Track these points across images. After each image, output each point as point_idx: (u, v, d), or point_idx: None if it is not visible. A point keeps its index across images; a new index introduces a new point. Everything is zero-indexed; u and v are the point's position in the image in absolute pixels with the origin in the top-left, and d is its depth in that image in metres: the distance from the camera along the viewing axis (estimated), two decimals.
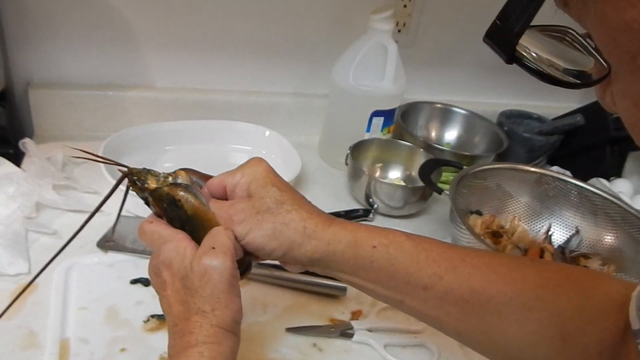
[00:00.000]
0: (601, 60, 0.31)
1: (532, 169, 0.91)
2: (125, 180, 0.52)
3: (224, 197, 0.51)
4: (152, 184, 0.49)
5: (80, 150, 0.54)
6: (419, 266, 0.48)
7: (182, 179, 0.50)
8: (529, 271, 0.49)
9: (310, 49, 1.05)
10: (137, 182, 0.50)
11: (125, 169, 0.51)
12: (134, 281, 0.68)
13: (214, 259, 0.45)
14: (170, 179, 0.50)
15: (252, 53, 1.03)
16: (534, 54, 0.33)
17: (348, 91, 0.95)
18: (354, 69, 0.93)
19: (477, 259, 0.49)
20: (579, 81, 0.33)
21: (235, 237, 0.47)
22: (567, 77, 0.34)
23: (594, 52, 0.32)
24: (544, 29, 0.34)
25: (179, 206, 0.48)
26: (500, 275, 0.48)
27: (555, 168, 1.04)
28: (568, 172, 1.02)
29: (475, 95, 1.20)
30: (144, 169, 0.51)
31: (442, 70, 1.15)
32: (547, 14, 0.31)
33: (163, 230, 0.49)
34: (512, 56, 0.32)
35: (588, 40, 0.33)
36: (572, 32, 0.34)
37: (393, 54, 0.91)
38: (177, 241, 0.47)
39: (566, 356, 0.46)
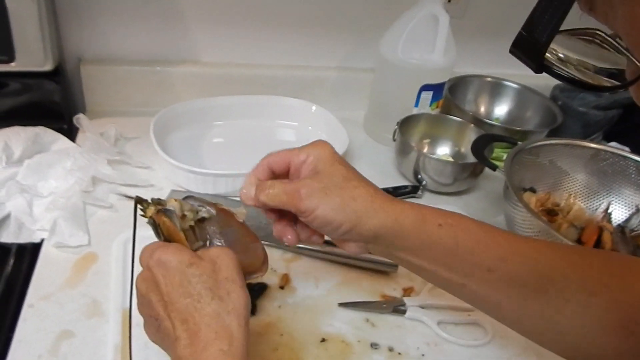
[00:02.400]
0: (634, 59, 0.30)
1: (590, 145, 0.87)
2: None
3: (285, 173, 0.51)
4: (149, 212, 0.50)
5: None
6: (486, 248, 0.47)
7: (170, 205, 0.50)
8: (595, 259, 0.48)
9: (356, 21, 1.03)
10: (140, 210, 0.52)
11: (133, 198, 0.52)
12: None
13: (222, 248, 0.47)
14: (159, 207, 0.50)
15: (297, 27, 1.02)
16: (562, 56, 0.33)
17: (396, 64, 0.93)
18: (403, 41, 0.91)
19: (542, 245, 0.49)
20: (614, 82, 0.33)
21: (303, 212, 0.48)
22: (600, 80, 0.33)
23: (625, 51, 0.31)
24: (572, 33, 0.33)
25: (159, 230, 0.49)
26: (565, 260, 0.47)
27: (613, 144, 1.00)
28: (627, 148, 0.97)
29: (527, 68, 1.15)
30: (152, 199, 0.52)
31: (493, 42, 1.11)
32: (573, 18, 0.30)
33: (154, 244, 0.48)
34: (541, 65, 0.32)
35: (618, 40, 0.33)
36: (600, 33, 0.33)
37: (444, 25, 0.88)
38: (168, 245, 0.47)
39: (627, 345, 0.45)
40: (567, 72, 0.32)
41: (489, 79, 1.11)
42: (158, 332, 0.45)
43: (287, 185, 0.49)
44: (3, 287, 0.62)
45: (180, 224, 0.49)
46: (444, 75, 0.95)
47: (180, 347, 0.42)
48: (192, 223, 0.50)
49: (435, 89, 0.95)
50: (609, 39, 0.33)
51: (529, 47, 0.31)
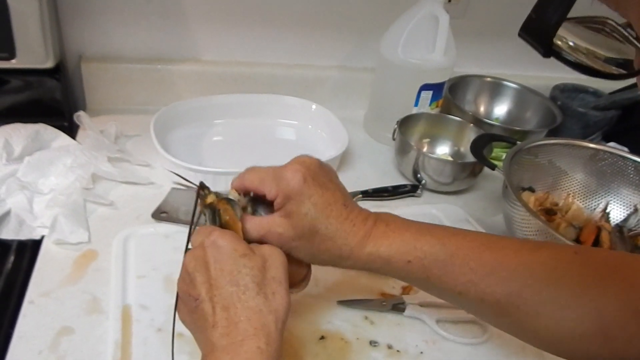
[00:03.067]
0: None
1: (589, 145, 0.88)
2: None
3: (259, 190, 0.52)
4: (209, 199, 0.52)
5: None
6: (454, 275, 0.49)
7: (232, 195, 0.52)
8: (570, 268, 0.48)
9: (357, 21, 1.03)
10: (201, 196, 0.53)
11: (196, 185, 0.54)
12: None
13: (274, 247, 0.48)
14: (222, 195, 0.53)
15: (298, 26, 1.02)
16: (572, 44, 0.32)
17: (396, 64, 0.93)
18: (403, 41, 0.92)
19: (515, 260, 0.49)
20: (622, 71, 0.32)
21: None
22: (609, 68, 0.32)
23: (635, 41, 0.31)
24: (581, 21, 0.33)
25: (217, 215, 0.51)
26: (538, 277, 0.48)
27: (612, 144, 1.00)
28: (625, 149, 0.98)
29: (527, 69, 1.16)
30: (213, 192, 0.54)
31: (493, 42, 1.11)
32: (584, 6, 0.30)
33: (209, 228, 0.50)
34: (549, 49, 0.31)
35: (629, 29, 0.32)
36: (610, 22, 0.33)
37: (445, 25, 0.89)
38: (226, 231, 0.48)
39: (608, 349, 0.46)
40: (576, 57, 0.32)
41: (488, 79, 1.11)
42: (194, 313, 0.45)
43: (261, 228, 0.50)
44: (3, 283, 0.62)
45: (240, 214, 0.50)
46: (444, 75, 0.96)
47: (217, 335, 0.42)
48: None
49: (435, 89, 0.95)
50: (619, 27, 0.32)
51: (538, 30, 0.31)
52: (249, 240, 0.50)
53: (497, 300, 0.48)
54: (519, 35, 0.32)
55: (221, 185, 0.79)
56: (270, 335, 0.42)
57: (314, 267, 0.69)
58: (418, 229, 0.52)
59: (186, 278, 0.46)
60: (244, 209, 0.52)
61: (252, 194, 0.53)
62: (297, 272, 0.52)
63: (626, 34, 0.32)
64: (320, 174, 0.51)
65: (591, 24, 0.33)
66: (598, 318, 0.46)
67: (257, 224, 0.50)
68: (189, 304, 0.45)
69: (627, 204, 0.85)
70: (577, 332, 0.46)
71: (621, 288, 0.46)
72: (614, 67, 0.32)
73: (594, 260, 0.50)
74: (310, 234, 0.49)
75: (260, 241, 0.50)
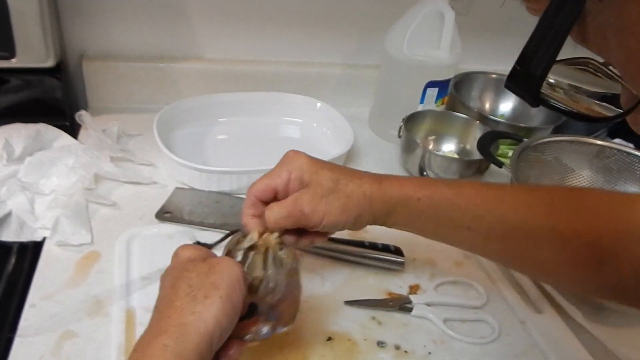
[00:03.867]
0: (629, 87, 0.30)
1: (595, 141, 0.87)
2: None
3: (274, 198, 0.54)
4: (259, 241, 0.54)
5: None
6: (461, 211, 0.53)
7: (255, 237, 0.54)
8: (565, 204, 0.52)
9: (361, 17, 1.02)
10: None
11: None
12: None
13: (232, 260, 0.48)
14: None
15: (302, 23, 1.01)
16: (554, 82, 0.32)
17: (401, 61, 0.92)
18: (409, 37, 0.90)
19: (514, 197, 0.53)
20: (611, 114, 0.33)
21: (313, 226, 0.52)
22: (598, 112, 0.33)
23: (619, 79, 0.31)
24: (565, 63, 0.33)
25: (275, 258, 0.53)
26: (537, 211, 0.52)
27: (617, 140, 0.99)
28: (631, 145, 0.97)
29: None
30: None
31: (498, 38, 1.10)
32: (566, 48, 0.30)
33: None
34: (537, 99, 0.31)
35: (611, 67, 0.32)
36: (593, 61, 0.33)
37: (450, 22, 0.87)
38: (194, 245, 0.50)
39: (602, 277, 0.50)
40: (564, 105, 0.32)
41: (494, 76, 1.10)
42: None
43: (289, 206, 0.52)
44: (4, 286, 0.61)
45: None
46: (450, 72, 0.95)
47: (143, 334, 0.42)
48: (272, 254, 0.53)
49: (441, 86, 0.94)
50: (602, 67, 0.33)
51: (525, 82, 0.31)
52: (278, 227, 0.52)
53: (503, 233, 0.52)
54: (505, 86, 0.32)
55: (225, 184, 0.78)
56: (186, 335, 0.41)
57: (320, 265, 0.69)
58: (423, 177, 0.58)
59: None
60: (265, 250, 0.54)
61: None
62: (289, 312, 0.52)
63: (609, 72, 0.32)
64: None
65: (575, 65, 0.34)
66: (594, 248, 0.49)
67: (284, 203, 0.52)
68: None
69: None
70: (576, 261, 0.50)
71: (613, 222, 0.49)
72: (604, 107, 0.33)
73: (587, 196, 0.54)
74: (334, 184, 0.52)
75: (289, 221, 0.52)
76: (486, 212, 0.52)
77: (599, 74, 0.33)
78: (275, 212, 0.52)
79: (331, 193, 0.52)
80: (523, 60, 0.30)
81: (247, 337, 0.48)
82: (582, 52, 0.32)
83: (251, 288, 0.50)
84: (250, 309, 0.49)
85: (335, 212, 0.52)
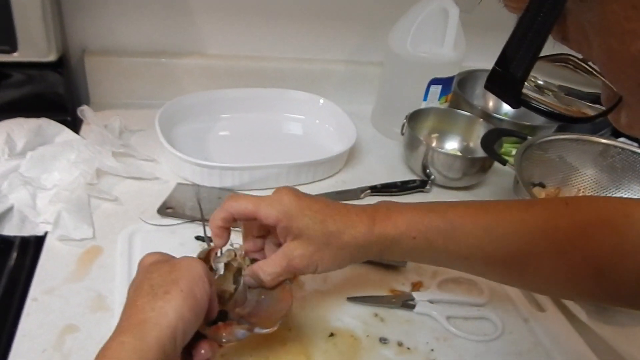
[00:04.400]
0: (610, 84, 0.29)
1: (599, 140, 0.87)
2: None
3: (248, 220, 0.54)
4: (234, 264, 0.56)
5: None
6: (457, 242, 0.52)
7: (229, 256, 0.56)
8: (561, 218, 0.52)
9: (365, 14, 1.02)
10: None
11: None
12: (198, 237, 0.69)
13: (193, 258, 0.49)
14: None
15: (305, 19, 1.00)
16: (541, 83, 0.32)
17: (405, 58, 0.92)
18: (412, 34, 0.90)
19: (509, 217, 0.53)
20: (593, 113, 0.32)
21: (306, 273, 0.54)
22: (580, 112, 0.33)
23: (600, 76, 0.30)
24: (544, 59, 0.32)
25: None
26: (533, 230, 0.52)
27: (621, 139, 0.99)
28: (635, 144, 0.96)
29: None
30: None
31: (503, 36, 1.08)
32: (546, 45, 0.29)
33: None
34: (518, 101, 0.30)
35: (591, 63, 0.32)
36: (573, 58, 0.33)
37: (454, 19, 0.87)
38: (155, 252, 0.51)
39: (602, 288, 0.51)
40: (545, 106, 0.31)
41: None
42: None
43: (281, 263, 0.52)
44: (6, 281, 0.61)
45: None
46: (453, 69, 0.94)
47: (110, 336, 0.42)
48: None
49: (444, 83, 0.94)
50: (581, 63, 0.32)
51: (505, 83, 0.30)
52: (276, 282, 0.53)
53: (502, 259, 0.52)
54: (485, 87, 0.31)
55: (227, 180, 0.78)
56: (145, 331, 0.40)
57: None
58: (416, 207, 0.55)
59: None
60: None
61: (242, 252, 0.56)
62: (279, 308, 0.53)
63: (589, 68, 0.32)
64: (304, 193, 0.55)
65: (555, 61, 0.34)
66: (593, 261, 0.50)
67: (274, 260, 0.53)
68: None
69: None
70: (575, 274, 0.51)
71: (609, 233, 0.50)
72: (586, 106, 0.33)
73: (584, 210, 0.53)
74: (325, 238, 0.52)
75: (285, 275, 0.53)
76: (482, 240, 0.52)
77: (578, 70, 0.33)
78: (270, 273, 0.52)
79: (324, 246, 0.52)
80: (503, 61, 0.29)
81: (223, 340, 0.48)
82: (562, 48, 0.31)
83: (221, 299, 0.52)
84: (222, 314, 0.51)
85: (328, 262, 0.53)
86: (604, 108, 0.31)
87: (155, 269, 0.46)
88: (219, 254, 0.55)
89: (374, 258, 0.55)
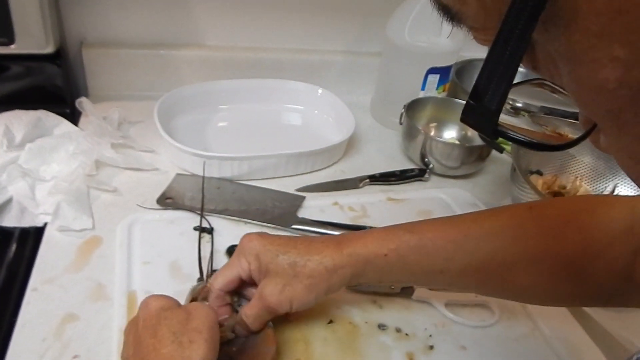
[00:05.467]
0: (583, 112, 0.29)
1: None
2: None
3: (241, 285, 0.55)
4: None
5: None
6: (430, 257, 0.52)
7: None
8: (528, 226, 0.52)
9: (363, 4, 1.02)
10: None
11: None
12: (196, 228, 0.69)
13: (202, 304, 0.50)
14: None
15: (304, 10, 1.00)
16: (520, 105, 0.31)
17: (403, 48, 0.92)
18: (410, 24, 0.90)
19: (478, 229, 0.53)
20: (571, 139, 0.31)
21: (285, 312, 0.53)
22: (564, 136, 0.33)
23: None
24: (521, 84, 0.33)
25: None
26: (504, 239, 0.52)
27: None
28: None
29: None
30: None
31: None
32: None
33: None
34: (495, 132, 0.30)
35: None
36: (547, 82, 0.32)
37: None
38: (160, 295, 0.50)
39: (580, 289, 0.51)
40: (523, 135, 0.30)
41: None
42: None
43: (257, 304, 0.52)
44: (6, 271, 0.62)
45: None
46: (451, 59, 0.94)
47: None
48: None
49: (442, 72, 0.94)
50: (555, 87, 0.32)
51: (480, 116, 0.29)
52: (258, 326, 0.53)
53: (476, 269, 0.52)
54: (461, 120, 0.31)
55: (226, 170, 0.78)
56: None
57: None
58: (384, 228, 0.55)
59: (124, 342, 0.49)
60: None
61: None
62: (264, 350, 0.53)
63: (563, 92, 0.31)
64: (270, 234, 0.55)
65: (532, 85, 0.34)
66: (568, 264, 0.50)
67: (252, 302, 0.53)
68: None
69: (634, 186, 0.83)
70: (553, 280, 0.51)
71: (578, 235, 0.50)
72: (571, 131, 0.33)
73: (548, 213, 0.53)
74: (291, 269, 0.52)
75: (264, 317, 0.53)
76: (454, 252, 0.52)
77: (556, 92, 0.33)
78: (249, 315, 0.52)
79: (292, 279, 0.52)
80: (476, 95, 0.29)
81: None
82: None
83: None
84: None
85: (301, 295, 0.52)
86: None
87: (170, 315, 0.46)
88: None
89: (349, 283, 0.54)
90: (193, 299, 0.54)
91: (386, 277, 0.54)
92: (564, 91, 0.30)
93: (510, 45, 0.26)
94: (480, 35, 0.29)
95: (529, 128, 0.31)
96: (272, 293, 0.52)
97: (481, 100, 0.28)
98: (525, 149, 0.30)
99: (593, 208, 0.52)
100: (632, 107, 0.25)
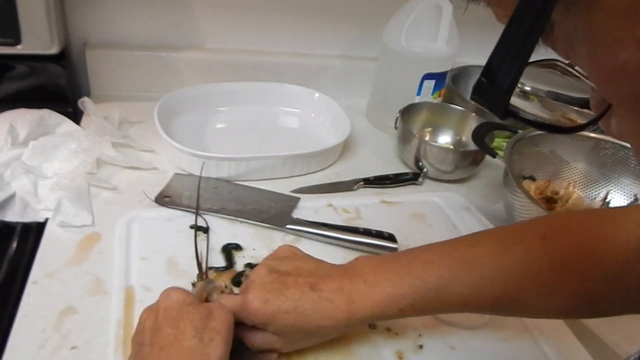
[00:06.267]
0: (600, 94, 0.29)
1: (591, 135, 0.88)
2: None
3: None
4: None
5: None
6: (445, 302, 0.52)
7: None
8: (542, 260, 0.51)
9: (360, 10, 1.04)
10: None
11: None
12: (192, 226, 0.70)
13: (222, 305, 0.50)
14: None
15: (302, 15, 1.02)
16: (528, 89, 0.32)
17: (399, 53, 0.93)
18: (407, 30, 0.92)
19: (492, 267, 0.52)
20: (583, 122, 0.31)
21: None
22: (573, 120, 0.32)
23: (588, 80, 0.29)
24: (532, 64, 0.31)
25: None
26: (518, 276, 0.51)
27: None
28: None
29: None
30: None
31: (496, 32, 1.10)
32: (536, 50, 0.28)
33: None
34: (506, 112, 0.29)
35: (577, 68, 0.31)
36: (559, 63, 0.32)
37: (448, 14, 0.89)
38: (181, 288, 0.51)
39: (595, 312, 0.52)
40: (534, 116, 0.30)
41: None
42: (136, 357, 0.46)
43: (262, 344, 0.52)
44: (8, 265, 0.63)
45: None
46: (447, 64, 0.96)
47: None
48: None
49: (438, 78, 0.96)
50: (569, 68, 0.32)
51: (492, 95, 0.28)
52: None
53: (492, 305, 0.53)
54: (471, 98, 0.30)
55: (224, 171, 0.79)
56: None
57: (316, 249, 0.69)
58: (396, 271, 0.52)
59: (138, 328, 0.49)
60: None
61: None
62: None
63: (577, 73, 0.31)
64: (279, 264, 0.54)
65: (542, 66, 0.33)
66: (581, 291, 0.50)
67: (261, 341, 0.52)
68: (135, 350, 0.47)
69: (627, 193, 0.85)
70: (567, 307, 0.52)
71: (592, 263, 0.50)
72: (580, 117, 0.32)
73: (562, 244, 0.52)
74: (304, 334, 0.52)
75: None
76: (470, 295, 0.51)
77: (566, 75, 0.32)
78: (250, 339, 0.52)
79: (303, 339, 0.53)
80: (488, 72, 0.28)
81: None
82: (551, 52, 0.30)
83: None
84: None
85: (310, 343, 0.54)
86: (592, 112, 0.30)
87: (193, 310, 0.47)
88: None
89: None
90: (207, 294, 0.55)
91: (399, 320, 0.56)
92: (576, 73, 0.30)
93: (527, 22, 0.25)
94: (499, 10, 0.28)
95: (538, 112, 0.30)
96: (284, 346, 0.52)
97: (493, 79, 0.28)
98: (537, 129, 0.30)
99: (604, 232, 0.51)
100: None
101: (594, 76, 0.26)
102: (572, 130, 0.32)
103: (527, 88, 0.32)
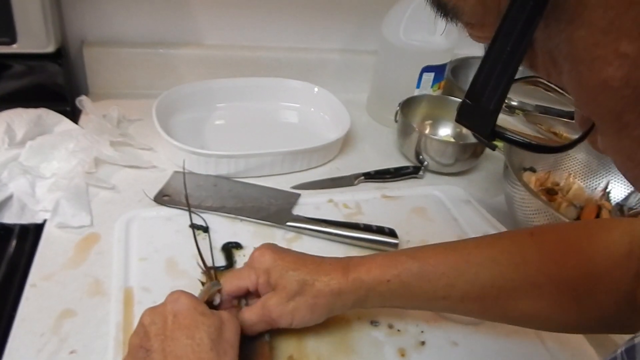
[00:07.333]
0: (582, 112, 0.28)
1: None
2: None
3: (247, 293, 0.56)
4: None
5: None
6: (431, 283, 0.53)
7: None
8: (528, 251, 0.52)
9: (359, 3, 1.03)
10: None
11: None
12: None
13: (231, 314, 0.51)
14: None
15: (300, 9, 1.01)
16: (515, 104, 0.30)
17: (398, 46, 0.93)
18: (405, 23, 0.91)
19: (479, 255, 0.53)
20: (565, 142, 0.30)
21: (284, 326, 0.54)
22: (564, 137, 0.32)
23: (569, 95, 0.29)
24: (515, 81, 0.31)
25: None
26: (504, 265, 0.52)
27: None
28: None
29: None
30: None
31: None
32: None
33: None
34: (492, 133, 0.29)
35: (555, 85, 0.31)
36: (542, 80, 0.31)
37: None
38: (190, 293, 0.50)
39: (583, 314, 0.51)
40: (521, 137, 0.29)
41: None
42: None
43: (258, 312, 0.53)
44: (6, 267, 0.63)
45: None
46: (446, 57, 0.95)
47: None
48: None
49: (437, 71, 0.95)
50: (550, 84, 0.31)
51: (477, 117, 0.28)
52: (252, 332, 0.54)
53: (477, 295, 0.53)
54: (457, 121, 0.30)
55: (223, 168, 0.79)
56: None
57: (316, 246, 0.70)
58: (387, 253, 0.57)
59: (140, 331, 0.48)
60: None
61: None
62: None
63: (558, 89, 0.30)
64: (282, 248, 0.57)
65: (526, 83, 0.33)
66: (568, 289, 0.50)
67: (252, 308, 0.54)
68: (138, 356, 0.46)
69: (627, 183, 0.84)
70: (554, 305, 0.51)
71: (579, 261, 0.50)
72: (566, 130, 0.32)
73: (548, 239, 0.53)
74: (299, 286, 0.53)
75: (261, 325, 0.54)
76: (456, 279, 0.52)
77: (549, 91, 0.32)
78: (247, 319, 0.53)
79: (298, 295, 0.53)
80: (473, 94, 0.27)
81: None
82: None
83: None
84: None
85: (303, 313, 0.53)
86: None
87: (207, 321, 0.47)
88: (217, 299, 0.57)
89: (352, 308, 0.55)
90: (208, 299, 0.55)
91: (389, 302, 0.55)
92: (559, 89, 0.29)
93: (510, 43, 0.25)
94: (477, 32, 0.28)
95: (523, 127, 0.30)
96: (277, 305, 0.53)
97: (479, 100, 0.27)
98: (525, 150, 0.29)
99: (593, 233, 0.52)
100: (636, 108, 0.23)
101: (575, 94, 0.26)
102: (559, 149, 0.31)
103: (514, 103, 0.31)
